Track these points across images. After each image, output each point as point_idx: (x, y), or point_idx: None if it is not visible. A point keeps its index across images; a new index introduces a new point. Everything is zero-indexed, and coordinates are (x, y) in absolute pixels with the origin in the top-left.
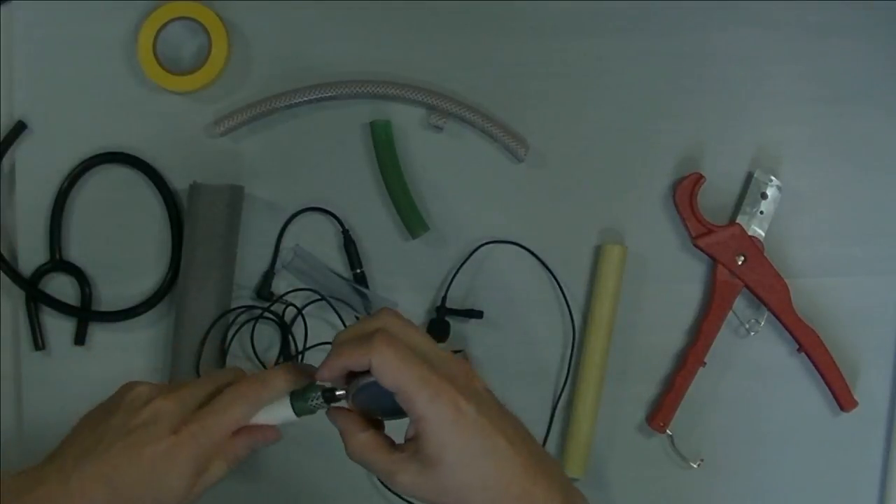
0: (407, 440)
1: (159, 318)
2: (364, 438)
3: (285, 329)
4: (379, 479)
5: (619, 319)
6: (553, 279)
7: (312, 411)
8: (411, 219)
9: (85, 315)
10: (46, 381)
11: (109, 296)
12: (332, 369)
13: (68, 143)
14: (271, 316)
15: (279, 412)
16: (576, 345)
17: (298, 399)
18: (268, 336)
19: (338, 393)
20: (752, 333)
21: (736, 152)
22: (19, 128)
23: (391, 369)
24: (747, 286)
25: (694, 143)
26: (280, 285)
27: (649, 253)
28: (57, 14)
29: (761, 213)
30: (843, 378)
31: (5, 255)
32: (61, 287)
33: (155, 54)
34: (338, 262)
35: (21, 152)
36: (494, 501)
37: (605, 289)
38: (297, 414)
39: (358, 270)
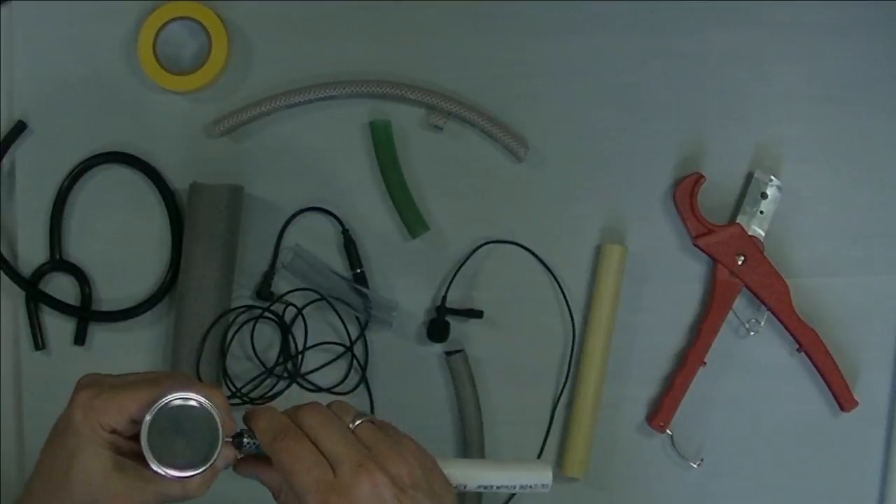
0: None
1: (159, 318)
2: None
3: (285, 329)
4: None
5: (619, 319)
6: (553, 279)
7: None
8: (411, 219)
9: (85, 315)
10: (46, 381)
11: (109, 296)
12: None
13: (68, 143)
14: (271, 316)
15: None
16: (576, 345)
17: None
18: (268, 336)
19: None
20: (752, 333)
21: (736, 152)
22: (19, 128)
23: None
24: (747, 286)
25: (694, 143)
26: (280, 285)
27: (649, 253)
28: (57, 14)
29: (761, 213)
30: (843, 378)
31: (5, 255)
32: (61, 287)
33: (155, 54)
34: (338, 262)
35: (21, 152)
36: None
37: (605, 289)
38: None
39: (358, 270)
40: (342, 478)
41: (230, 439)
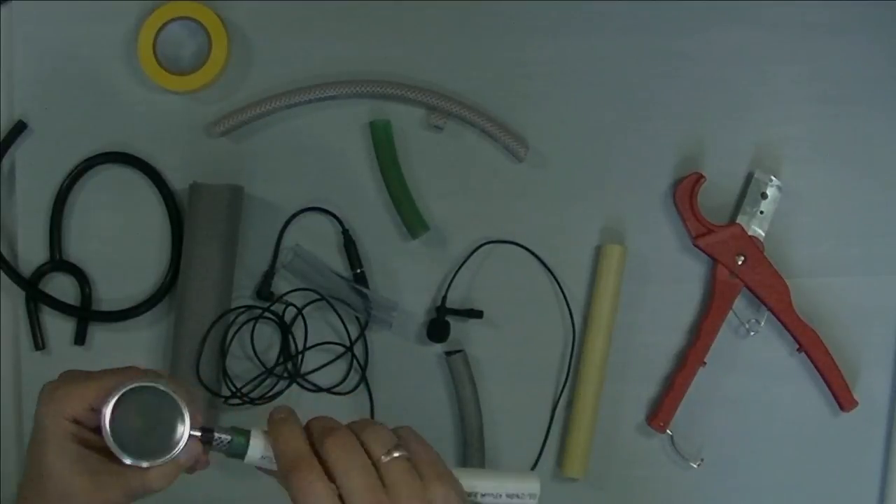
0: None
1: (159, 318)
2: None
3: (285, 329)
4: None
5: (619, 319)
6: (553, 279)
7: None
8: (411, 219)
9: (85, 315)
10: (46, 381)
11: (109, 296)
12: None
13: (68, 143)
14: (271, 316)
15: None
16: (576, 345)
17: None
18: (268, 336)
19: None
20: (752, 333)
21: (736, 152)
22: (19, 128)
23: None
24: (747, 286)
25: (694, 143)
26: (280, 285)
27: (649, 253)
28: (57, 14)
29: (761, 213)
30: (843, 378)
31: (5, 255)
32: (61, 287)
33: (155, 54)
34: (338, 262)
35: (21, 152)
36: None
37: (605, 289)
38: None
39: (358, 270)
40: None
41: (198, 434)
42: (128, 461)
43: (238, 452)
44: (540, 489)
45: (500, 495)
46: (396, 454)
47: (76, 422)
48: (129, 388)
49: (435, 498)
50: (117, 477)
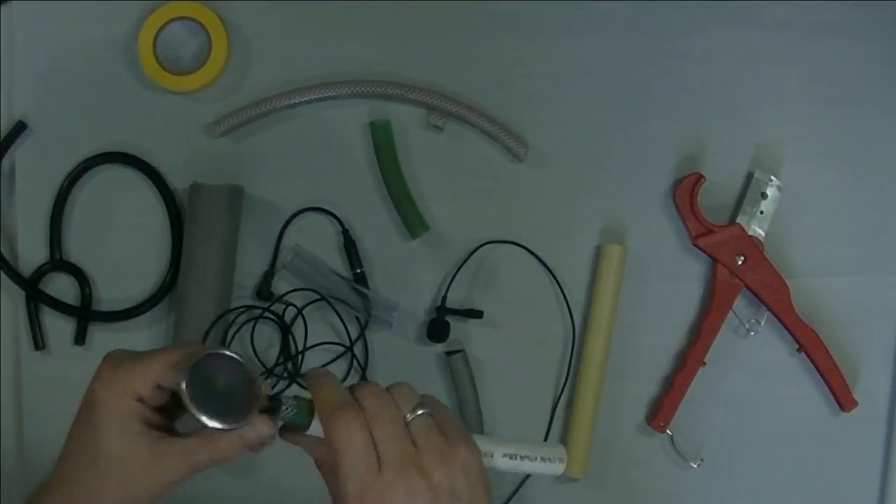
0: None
1: (159, 318)
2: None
3: (285, 329)
4: None
5: (619, 319)
6: (553, 279)
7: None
8: (411, 219)
9: (85, 315)
10: (46, 381)
11: (109, 296)
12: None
13: (68, 143)
14: (271, 316)
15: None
16: (576, 345)
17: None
18: (268, 336)
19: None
20: (752, 333)
21: (736, 152)
22: (19, 128)
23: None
24: (747, 286)
25: (694, 143)
26: (280, 285)
27: (649, 253)
28: (57, 14)
29: (761, 213)
30: (843, 378)
31: (5, 255)
32: (61, 287)
33: (155, 54)
34: (338, 262)
35: (21, 152)
36: None
37: (605, 289)
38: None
39: (358, 270)
40: (384, 477)
41: (268, 402)
42: (211, 423)
43: (301, 422)
44: (566, 455)
45: (536, 458)
46: (421, 412)
47: (139, 400)
48: (206, 353)
49: (455, 456)
50: (181, 451)
